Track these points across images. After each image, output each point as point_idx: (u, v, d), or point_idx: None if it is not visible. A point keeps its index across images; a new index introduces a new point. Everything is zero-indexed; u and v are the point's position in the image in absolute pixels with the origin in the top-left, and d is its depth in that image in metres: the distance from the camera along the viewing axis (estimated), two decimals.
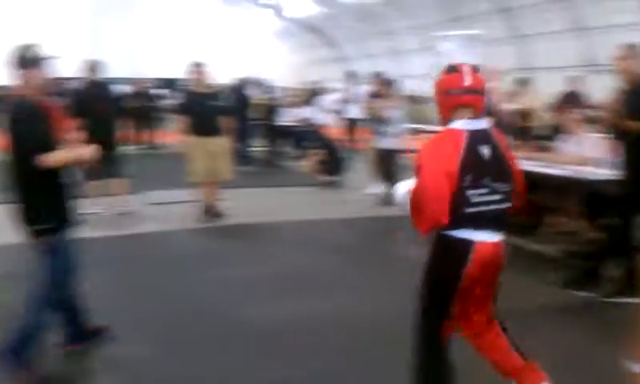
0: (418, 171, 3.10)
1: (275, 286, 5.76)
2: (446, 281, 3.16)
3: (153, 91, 19.62)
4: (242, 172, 13.25)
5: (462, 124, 3.12)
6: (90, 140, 8.20)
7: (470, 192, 3.04)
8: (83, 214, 8.37)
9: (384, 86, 9.43)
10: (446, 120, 3.21)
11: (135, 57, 34.93)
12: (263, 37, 38.51)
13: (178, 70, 24.50)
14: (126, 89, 17.15)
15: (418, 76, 27.43)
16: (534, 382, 3.29)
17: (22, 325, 4.04)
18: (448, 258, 3.14)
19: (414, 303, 3.30)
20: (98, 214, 8.44)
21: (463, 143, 3.05)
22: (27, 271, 5.95)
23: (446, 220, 3.03)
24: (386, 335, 4.49)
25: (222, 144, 8.31)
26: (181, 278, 6.04)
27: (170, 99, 26.91)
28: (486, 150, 3.09)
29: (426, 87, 25.01)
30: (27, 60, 3.92)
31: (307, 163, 12.38)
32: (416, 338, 3.28)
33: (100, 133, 8.29)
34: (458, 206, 3.04)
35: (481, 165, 3.07)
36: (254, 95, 15.60)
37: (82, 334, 4.40)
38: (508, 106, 10.19)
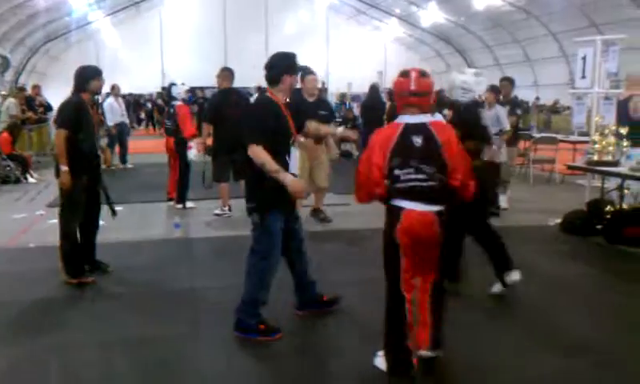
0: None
1: None
2: (389, 240, 3.84)
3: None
4: None
5: (403, 118, 3.83)
6: (220, 144, 8.86)
7: (398, 171, 3.73)
8: (216, 214, 9.02)
9: (490, 94, 8.93)
10: (399, 114, 3.91)
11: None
12: (393, 46, 38.68)
13: None
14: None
15: (554, 85, 26.58)
16: (418, 342, 3.80)
17: (243, 295, 4.61)
18: (388, 221, 3.85)
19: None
20: (226, 214, 8.89)
21: (397, 133, 3.77)
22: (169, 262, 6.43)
23: (381, 191, 3.80)
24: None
25: (322, 151, 8.32)
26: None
27: None
28: (418, 139, 3.74)
29: (563, 96, 24.09)
30: (287, 67, 4.55)
31: None
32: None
33: (229, 138, 8.76)
34: (392, 181, 3.75)
35: (409, 150, 3.74)
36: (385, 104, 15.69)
37: (312, 303, 5.03)
38: None
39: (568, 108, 22.48)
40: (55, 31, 32.85)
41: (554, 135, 14.04)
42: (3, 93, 16.77)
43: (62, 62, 31.86)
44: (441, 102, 14.72)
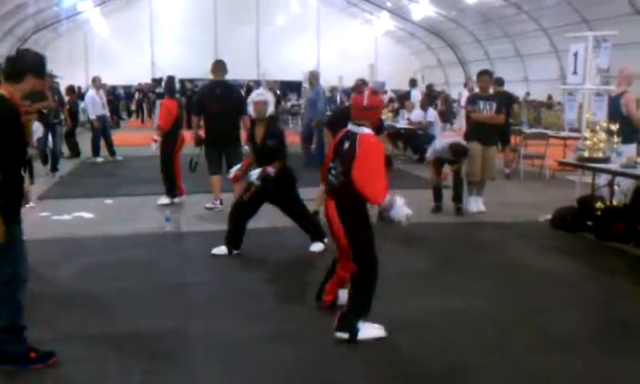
0: None
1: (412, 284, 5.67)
2: None
3: (278, 93, 20.09)
4: None
5: (350, 126, 4.64)
6: (208, 136, 8.74)
7: (330, 164, 4.70)
8: (207, 208, 8.97)
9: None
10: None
11: (260, 61, 36.21)
12: (384, 39, 38.60)
13: (300, 74, 25.18)
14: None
15: (544, 80, 26.64)
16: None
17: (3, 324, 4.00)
18: None
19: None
20: (217, 208, 8.85)
21: (340, 136, 4.69)
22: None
23: (323, 178, 4.90)
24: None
25: None
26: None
27: (293, 102, 27.84)
28: (347, 144, 4.52)
29: (554, 92, 24.12)
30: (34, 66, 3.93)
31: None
32: None
33: (217, 130, 8.66)
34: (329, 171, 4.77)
35: (338, 150, 4.63)
36: None
37: None
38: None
39: (559, 103, 22.53)
40: (44, 21, 32.55)
41: (544, 131, 14.09)
42: None
43: (51, 52, 31.53)
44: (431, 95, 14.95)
